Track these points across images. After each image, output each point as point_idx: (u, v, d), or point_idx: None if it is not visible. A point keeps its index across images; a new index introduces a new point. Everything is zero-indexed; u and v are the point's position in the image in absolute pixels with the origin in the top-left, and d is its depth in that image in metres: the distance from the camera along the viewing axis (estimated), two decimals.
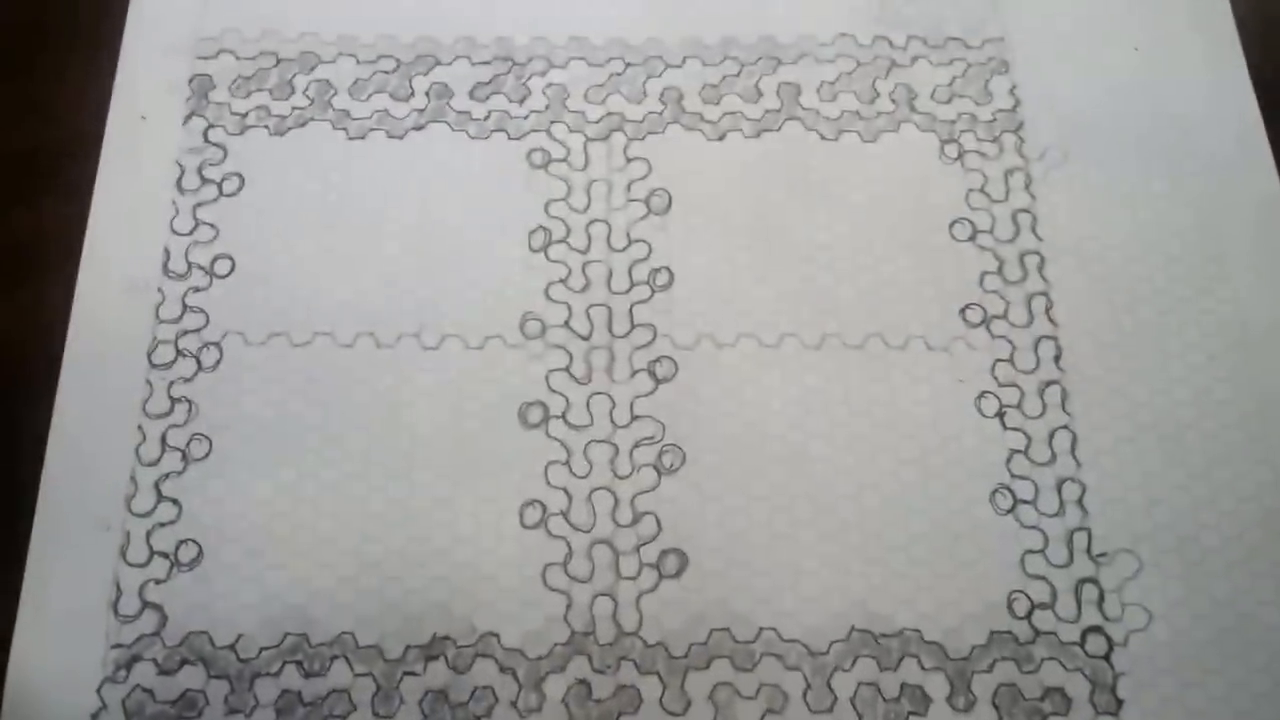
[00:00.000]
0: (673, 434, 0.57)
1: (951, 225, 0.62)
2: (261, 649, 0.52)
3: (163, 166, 0.62)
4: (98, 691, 0.51)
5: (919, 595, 0.55)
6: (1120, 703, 0.52)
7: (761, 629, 0.53)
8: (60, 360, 0.57)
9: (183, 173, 0.62)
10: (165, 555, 0.54)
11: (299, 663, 0.52)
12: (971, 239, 0.62)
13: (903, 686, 0.53)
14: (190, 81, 0.64)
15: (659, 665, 0.53)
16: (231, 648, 0.52)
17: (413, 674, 0.52)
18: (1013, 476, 0.58)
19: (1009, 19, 0.68)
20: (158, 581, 0.54)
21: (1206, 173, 0.64)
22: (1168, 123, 0.66)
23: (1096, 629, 0.54)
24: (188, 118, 0.63)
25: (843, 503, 0.56)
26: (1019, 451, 0.57)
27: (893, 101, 0.65)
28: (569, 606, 0.53)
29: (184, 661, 0.52)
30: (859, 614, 0.54)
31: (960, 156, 0.63)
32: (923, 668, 0.53)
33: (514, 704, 0.52)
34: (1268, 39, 0.65)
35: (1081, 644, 0.54)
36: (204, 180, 0.61)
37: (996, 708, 0.52)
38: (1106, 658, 0.53)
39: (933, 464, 0.58)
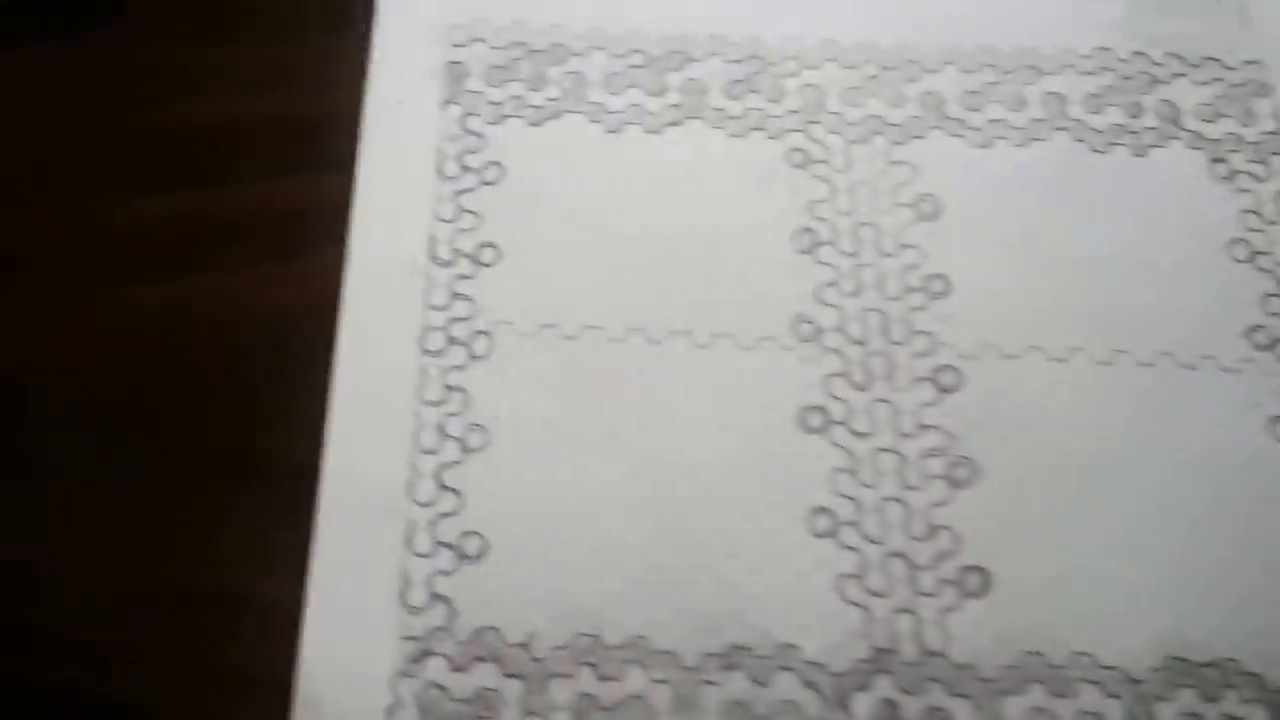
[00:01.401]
0: (962, 446, 0.55)
1: (1230, 245, 0.60)
2: (554, 648, 0.49)
3: (423, 152, 0.60)
4: (392, 685, 0.47)
5: (1232, 623, 0.53)
6: None
7: (1076, 653, 0.50)
8: (333, 339, 0.53)
9: (443, 159, 0.59)
10: (450, 547, 0.51)
11: (593, 665, 0.49)
12: (1250, 260, 0.60)
13: (1225, 718, 0.49)
14: (445, 68, 0.61)
15: (969, 688, 0.50)
16: (524, 645, 0.50)
17: (711, 683, 0.48)
18: None
19: (1264, 42, 0.67)
20: (444, 573, 0.51)
21: None
22: None
23: None
24: (444, 104, 0.61)
25: (1146, 525, 0.54)
26: None
27: (1158, 117, 0.64)
28: (868, 621, 0.51)
29: (476, 658, 0.49)
30: (1175, 641, 0.52)
31: (1231, 176, 0.61)
32: (1244, 699, 0.49)
33: None
34: None
35: None
36: (464, 168, 0.59)
37: None
38: None
39: (1232, 488, 0.56)
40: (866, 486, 0.54)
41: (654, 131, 0.62)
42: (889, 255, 0.60)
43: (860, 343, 0.57)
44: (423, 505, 0.52)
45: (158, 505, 0.51)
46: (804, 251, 0.59)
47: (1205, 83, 0.66)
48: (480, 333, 0.55)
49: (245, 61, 0.61)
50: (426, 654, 0.50)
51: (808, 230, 0.60)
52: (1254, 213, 0.62)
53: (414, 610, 0.50)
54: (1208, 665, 0.52)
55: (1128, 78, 0.65)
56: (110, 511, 0.51)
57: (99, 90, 0.60)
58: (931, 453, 0.56)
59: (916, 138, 0.63)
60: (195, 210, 0.57)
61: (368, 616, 0.51)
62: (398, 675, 0.49)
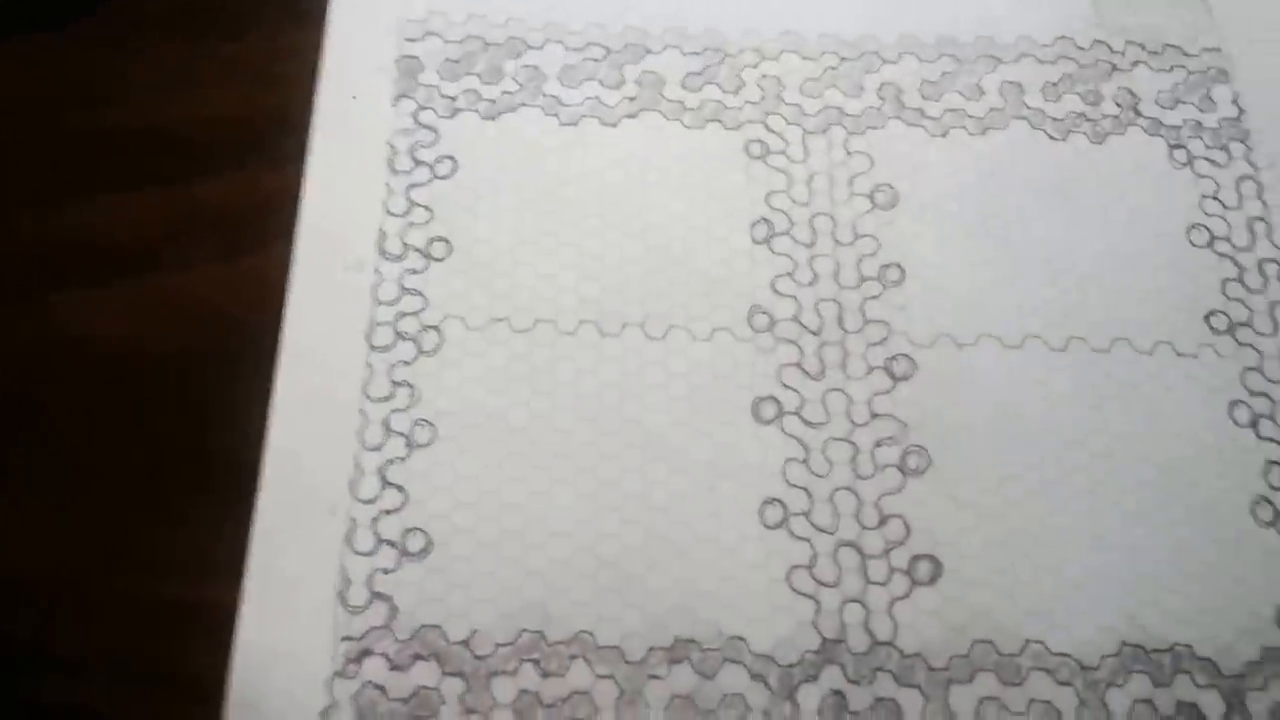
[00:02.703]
0: (916, 434, 0.55)
1: (1188, 230, 0.60)
2: (497, 645, 0.48)
3: (374, 146, 0.60)
4: (327, 686, 0.47)
5: (1187, 609, 0.53)
6: None
7: (1028, 641, 0.50)
8: (279, 333, 0.53)
9: (394, 154, 0.59)
10: (392, 544, 0.51)
11: (536, 661, 0.48)
12: (1209, 245, 0.60)
13: (1178, 704, 0.50)
14: (398, 62, 0.61)
15: (919, 678, 0.50)
16: (465, 643, 0.49)
17: (656, 677, 0.48)
18: (1271, 488, 0.55)
19: (1226, 29, 0.67)
20: (386, 571, 0.50)
21: None
22: None
23: None
24: (397, 99, 0.61)
25: (1103, 512, 0.54)
26: (1276, 463, 0.54)
27: (1117, 105, 0.63)
28: (818, 612, 0.50)
29: (416, 657, 0.49)
30: (1128, 628, 0.52)
31: (1190, 162, 0.62)
32: (1196, 685, 0.49)
33: (766, 714, 0.49)
34: None
35: None
36: (416, 162, 0.59)
37: None
38: None
39: (1190, 474, 0.55)
40: (818, 476, 0.54)
41: (610, 124, 0.62)
42: (845, 245, 0.60)
43: (815, 333, 0.57)
44: (365, 502, 0.52)
45: (99, 508, 0.51)
46: (760, 242, 0.59)
47: (1165, 70, 0.66)
48: (429, 327, 0.55)
49: (195, 58, 0.60)
50: (365, 654, 0.49)
51: (764, 221, 0.59)
52: (1213, 198, 0.62)
53: (354, 609, 0.50)
54: (1162, 651, 0.52)
55: (1086, 66, 0.65)
56: (51, 515, 0.50)
57: (40, 90, 0.59)
58: (884, 441, 0.56)
59: (874, 128, 0.63)
60: (143, 210, 0.57)
61: (305, 616, 0.51)
62: (334, 676, 0.49)
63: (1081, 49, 0.66)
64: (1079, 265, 0.60)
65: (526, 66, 0.63)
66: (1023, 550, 0.53)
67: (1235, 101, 0.65)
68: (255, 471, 0.52)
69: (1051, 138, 0.62)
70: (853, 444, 0.54)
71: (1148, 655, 0.51)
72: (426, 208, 0.59)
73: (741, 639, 0.50)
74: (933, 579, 0.52)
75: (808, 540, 0.52)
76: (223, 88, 0.60)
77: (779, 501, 0.52)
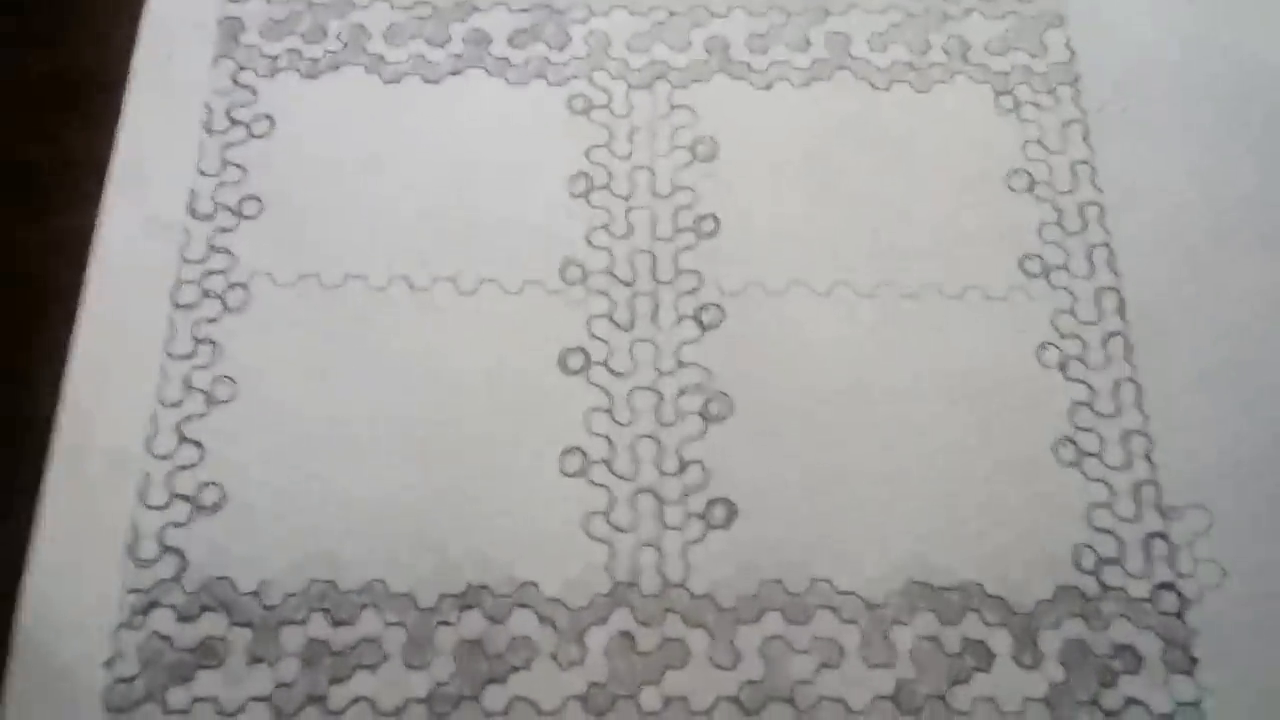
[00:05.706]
0: (720, 381, 0.55)
1: (1009, 176, 0.60)
2: (287, 595, 0.49)
3: (190, 106, 0.60)
4: (112, 637, 0.47)
5: (980, 546, 0.53)
6: (1194, 661, 0.50)
7: (815, 580, 0.51)
8: (80, 294, 0.53)
9: (211, 114, 0.60)
10: (186, 498, 0.51)
11: (326, 610, 0.50)
12: (1030, 190, 0.60)
13: (965, 641, 0.49)
14: (219, 23, 0.61)
15: (707, 618, 0.50)
16: (255, 594, 0.49)
17: (447, 623, 0.49)
18: (1076, 429, 0.55)
19: None
20: (177, 525, 0.51)
21: (1266, 117, 0.61)
22: (1224, 70, 0.65)
23: (1168, 585, 0.51)
24: (217, 59, 0.61)
25: (900, 453, 0.54)
26: (1082, 403, 0.55)
27: (945, 52, 0.63)
28: (611, 556, 0.51)
29: (205, 608, 0.50)
30: (917, 565, 0.52)
31: (1016, 108, 0.61)
32: (985, 623, 0.50)
33: (554, 656, 0.49)
34: None
35: (1152, 601, 0.51)
36: (233, 122, 0.59)
37: (1064, 665, 0.50)
38: (1179, 615, 0.51)
39: (992, 415, 0.56)
40: (621, 425, 0.55)
41: (433, 81, 0.62)
42: (662, 197, 0.60)
43: (627, 284, 0.57)
44: (160, 458, 0.52)
45: None
46: (578, 196, 0.60)
47: (999, 17, 0.66)
48: (237, 285, 0.55)
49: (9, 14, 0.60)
50: (153, 605, 0.50)
51: (583, 175, 0.60)
52: (1037, 143, 0.63)
53: (143, 563, 0.51)
54: (950, 589, 0.52)
55: (916, 15, 0.65)
56: None
57: None
58: (688, 389, 0.56)
59: (698, 81, 0.63)
60: None
61: (93, 570, 0.52)
62: (120, 628, 0.49)
63: None
64: (893, 213, 0.60)
65: (352, 25, 0.63)
66: (817, 491, 0.54)
67: (1068, 45, 0.65)
68: (49, 427, 0.51)
69: (875, 87, 0.63)
70: (657, 392, 0.55)
71: (935, 592, 0.51)
72: (240, 167, 0.59)
73: (533, 584, 0.51)
74: (727, 522, 0.53)
75: (606, 487, 0.53)
76: (38, 47, 0.59)
77: (579, 450, 0.53)
